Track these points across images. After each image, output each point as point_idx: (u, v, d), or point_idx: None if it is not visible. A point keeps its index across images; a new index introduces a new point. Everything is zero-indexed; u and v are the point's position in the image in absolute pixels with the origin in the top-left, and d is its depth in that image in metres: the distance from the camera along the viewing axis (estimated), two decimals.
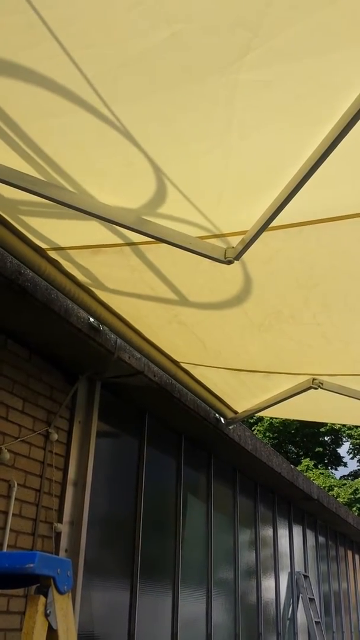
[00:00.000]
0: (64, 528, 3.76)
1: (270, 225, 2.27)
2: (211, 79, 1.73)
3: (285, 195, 2.06)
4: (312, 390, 4.06)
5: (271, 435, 24.58)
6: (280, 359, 3.85)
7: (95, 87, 1.80)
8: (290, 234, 2.42)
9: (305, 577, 8.19)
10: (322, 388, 3.98)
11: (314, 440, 25.64)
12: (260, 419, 23.90)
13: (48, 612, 1.47)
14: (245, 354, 3.84)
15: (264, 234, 2.34)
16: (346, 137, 1.80)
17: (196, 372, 4.40)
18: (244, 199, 2.27)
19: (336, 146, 1.83)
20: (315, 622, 7.85)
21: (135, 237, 2.58)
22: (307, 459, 24.01)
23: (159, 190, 2.26)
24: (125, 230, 2.45)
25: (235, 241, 2.46)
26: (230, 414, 5.16)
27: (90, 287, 3.28)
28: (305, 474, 15.66)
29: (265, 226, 2.25)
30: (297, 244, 2.51)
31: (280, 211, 2.15)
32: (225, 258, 2.43)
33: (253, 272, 2.76)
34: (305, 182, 1.99)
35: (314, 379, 4.00)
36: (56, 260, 3.02)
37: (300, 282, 2.82)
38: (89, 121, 1.94)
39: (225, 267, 2.52)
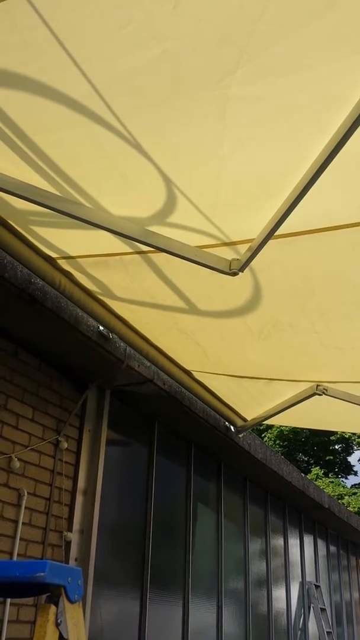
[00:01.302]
0: (73, 537, 3.76)
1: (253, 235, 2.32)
2: (202, 95, 1.78)
3: (287, 207, 2.09)
4: (320, 398, 4.06)
5: (281, 444, 24.44)
6: (281, 366, 3.87)
7: (90, 102, 1.85)
8: (284, 244, 2.44)
9: (317, 586, 8.11)
10: (326, 394, 3.98)
11: (324, 449, 25.47)
12: (270, 427, 23.80)
13: (59, 621, 1.47)
14: (246, 362, 3.86)
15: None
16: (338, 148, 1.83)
17: (204, 380, 4.40)
18: (241, 210, 2.29)
19: (334, 158, 1.86)
20: (327, 632, 7.78)
21: (141, 246, 2.60)
22: (317, 468, 23.85)
23: (156, 200, 2.29)
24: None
25: (233, 251, 2.49)
26: (239, 422, 5.15)
27: (99, 296, 3.30)
28: (315, 482, 15.56)
29: (268, 237, 2.27)
30: (291, 254, 2.54)
31: (283, 222, 2.17)
32: (230, 270, 2.48)
33: (250, 281, 2.77)
34: (305, 194, 2.01)
35: (318, 385, 4.00)
36: (65, 269, 3.04)
37: (297, 291, 2.85)
38: (91, 134, 1.98)
39: (222, 276, 2.54)
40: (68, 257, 2.94)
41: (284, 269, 2.68)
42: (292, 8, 1.50)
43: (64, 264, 3.00)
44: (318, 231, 2.36)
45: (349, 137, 1.77)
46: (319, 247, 2.48)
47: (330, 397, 4.01)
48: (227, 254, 2.52)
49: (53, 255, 2.93)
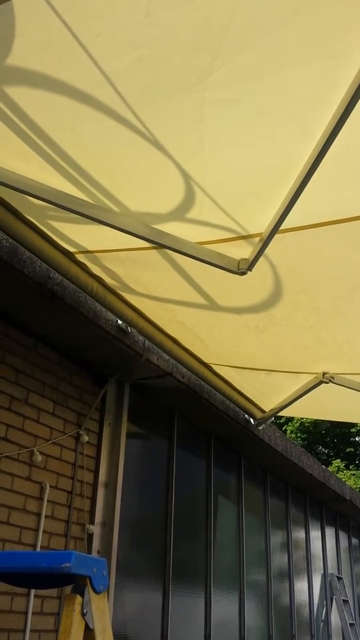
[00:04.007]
0: (95, 529, 3.79)
1: (251, 233, 2.42)
2: (179, 99, 1.84)
3: (286, 205, 2.15)
4: (331, 387, 4.06)
5: (302, 436, 24.34)
6: (280, 359, 3.91)
7: (70, 109, 1.92)
8: (274, 241, 2.47)
9: (339, 578, 8.09)
10: (333, 382, 4.01)
11: (344, 441, 25.30)
12: (291, 419, 23.72)
13: (85, 611, 1.48)
14: (246, 354, 3.92)
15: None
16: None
17: (220, 372, 4.42)
18: (228, 208, 2.35)
19: (322, 159, 1.91)
20: (350, 624, 7.75)
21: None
22: (338, 460, 23.71)
23: (153, 196, 2.36)
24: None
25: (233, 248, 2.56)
26: (259, 414, 5.14)
27: (117, 290, 3.31)
28: (336, 475, 15.46)
29: (272, 235, 2.33)
30: (280, 250, 2.57)
31: (285, 217, 2.22)
32: (238, 269, 2.56)
33: (243, 277, 2.77)
34: (300, 193, 2.07)
35: (324, 374, 4.00)
36: (84, 264, 3.05)
37: (288, 286, 2.90)
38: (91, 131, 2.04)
39: (216, 271, 2.61)
40: (86, 252, 2.95)
41: (274, 266, 2.73)
42: (260, 15, 1.56)
43: (82, 259, 3.01)
44: (302, 228, 2.42)
45: (335, 138, 1.82)
46: (305, 244, 2.54)
47: (342, 387, 4.04)
48: (226, 250, 2.57)
49: (71, 249, 2.94)
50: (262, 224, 2.38)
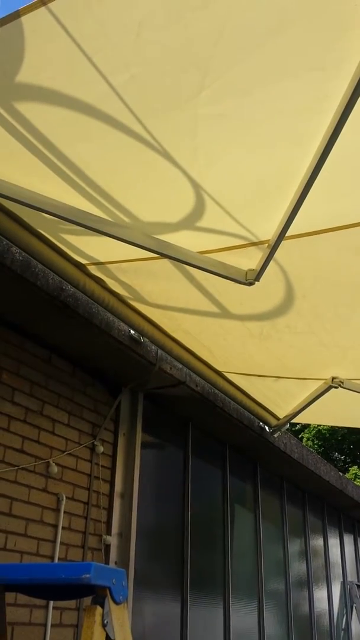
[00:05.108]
0: (112, 540, 3.78)
1: (256, 240, 2.45)
2: (173, 114, 1.89)
3: (290, 212, 2.19)
4: (345, 393, 4.05)
5: (318, 443, 24.17)
6: (285, 365, 3.92)
7: (70, 124, 1.97)
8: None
9: (359, 586, 8.00)
10: (342, 387, 4.00)
11: None
12: (307, 426, 23.56)
13: (105, 622, 1.48)
14: (251, 361, 3.93)
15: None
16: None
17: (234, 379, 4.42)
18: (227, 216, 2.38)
19: (321, 167, 1.94)
20: None
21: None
22: (355, 467, 23.50)
23: (155, 206, 2.40)
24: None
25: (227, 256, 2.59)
26: (273, 421, 5.12)
27: (129, 300, 3.32)
28: (354, 482, 15.28)
29: (277, 244, 2.36)
30: (281, 258, 2.59)
31: (290, 225, 2.26)
32: (246, 280, 2.58)
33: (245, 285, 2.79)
34: (302, 202, 2.10)
35: (333, 379, 3.98)
36: (95, 275, 3.07)
37: (290, 293, 2.92)
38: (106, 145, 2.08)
39: (217, 279, 2.62)
40: (98, 263, 2.97)
41: (275, 273, 2.74)
42: (246, 31, 1.60)
43: (94, 270, 3.04)
44: (302, 236, 2.45)
45: (331, 148, 1.86)
46: (305, 251, 2.56)
47: (355, 393, 4.03)
48: (233, 260, 2.59)
49: (83, 261, 2.96)
50: (265, 233, 2.40)
